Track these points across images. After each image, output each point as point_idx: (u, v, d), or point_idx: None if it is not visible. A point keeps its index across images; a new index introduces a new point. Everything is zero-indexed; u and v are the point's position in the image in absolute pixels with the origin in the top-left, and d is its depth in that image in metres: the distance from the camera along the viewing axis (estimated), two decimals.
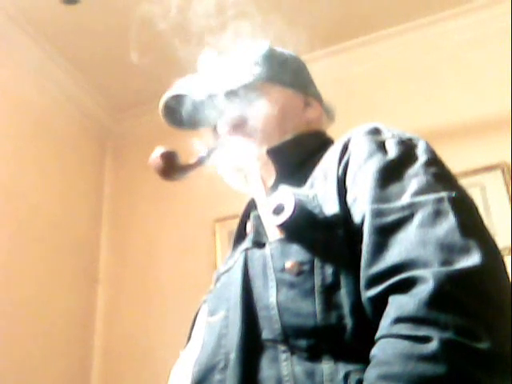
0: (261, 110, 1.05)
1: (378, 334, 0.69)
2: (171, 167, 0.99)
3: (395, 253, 0.72)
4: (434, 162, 0.83)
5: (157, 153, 1.00)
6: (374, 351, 0.68)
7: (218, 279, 0.96)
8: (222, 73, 1.10)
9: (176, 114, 1.13)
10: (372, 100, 2.73)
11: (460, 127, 2.58)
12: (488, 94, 2.58)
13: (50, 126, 2.89)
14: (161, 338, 2.67)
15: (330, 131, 1.15)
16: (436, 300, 0.65)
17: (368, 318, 0.74)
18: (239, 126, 1.05)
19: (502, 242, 2.12)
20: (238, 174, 1.03)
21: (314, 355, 0.74)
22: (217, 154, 1.04)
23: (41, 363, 2.48)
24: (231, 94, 1.05)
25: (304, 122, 1.09)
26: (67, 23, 2.73)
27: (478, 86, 2.63)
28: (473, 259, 0.68)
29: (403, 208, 0.76)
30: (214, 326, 0.86)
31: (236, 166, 1.03)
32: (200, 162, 1.02)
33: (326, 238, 0.80)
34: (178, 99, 1.11)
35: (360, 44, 2.90)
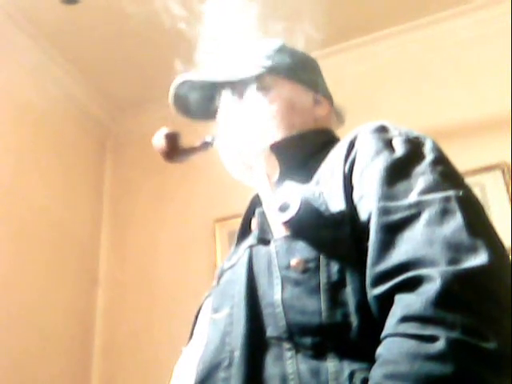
0: (268, 102, 1.05)
1: (383, 333, 0.69)
2: (174, 148, 0.99)
3: (402, 251, 0.72)
4: (441, 160, 0.83)
5: (160, 133, 1.00)
6: (380, 350, 0.68)
7: (221, 275, 0.96)
8: (232, 63, 1.10)
9: (185, 103, 1.13)
10: (372, 100, 2.73)
11: (460, 127, 2.58)
12: (488, 94, 2.58)
13: (49, 126, 2.88)
14: (161, 337, 2.67)
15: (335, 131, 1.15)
16: (443, 299, 0.65)
17: (374, 316, 0.73)
18: (246, 117, 1.05)
19: None
20: (242, 164, 1.02)
21: (319, 353, 0.74)
22: (221, 141, 1.04)
23: (41, 363, 2.48)
24: (240, 84, 1.05)
25: (312, 118, 1.09)
26: (67, 23, 2.72)
27: (478, 86, 2.63)
28: (480, 258, 0.68)
29: (410, 206, 0.75)
30: (219, 324, 0.86)
31: (240, 156, 1.02)
32: (204, 146, 1.02)
33: (332, 236, 0.80)
34: (187, 88, 1.11)
35: (360, 44, 2.90)
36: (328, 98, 1.15)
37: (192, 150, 1.01)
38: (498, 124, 2.48)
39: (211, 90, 1.10)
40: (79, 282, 2.85)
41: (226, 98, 1.07)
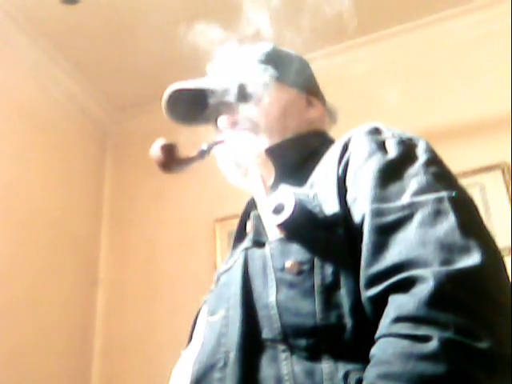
0: (263, 107, 1.05)
1: (377, 334, 0.69)
2: (171, 159, 0.99)
3: (395, 252, 0.72)
4: (434, 161, 0.83)
5: (157, 145, 1.00)
6: (374, 350, 0.68)
7: (218, 279, 0.96)
8: (225, 69, 1.10)
9: (178, 109, 1.14)
10: (372, 100, 2.72)
11: (460, 127, 2.58)
12: (488, 94, 2.58)
13: (49, 126, 2.89)
14: (161, 337, 2.67)
15: (330, 131, 1.15)
16: (436, 299, 0.65)
17: (368, 317, 0.74)
18: (240, 122, 1.05)
19: (501, 241, 2.12)
20: (238, 170, 1.03)
21: (313, 355, 0.74)
22: (217, 148, 1.04)
23: (41, 363, 2.48)
24: (233, 90, 1.05)
25: (306, 121, 1.09)
26: (67, 23, 2.73)
27: (478, 86, 2.63)
28: (473, 259, 0.68)
29: (403, 207, 0.76)
30: (214, 325, 0.86)
31: (236, 162, 1.03)
32: (200, 155, 1.02)
33: (326, 238, 0.80)
34: (180, 94, 1.12)
35: (360, 44, 2.90)
36: (321, 99, 1.15)
37: (189, 160, 1.02)
38: (498, 124, 2.48)
39: (204, 97, 1.10)
40: (79, 282, 2.86)
41: (219, 105, 1.07)
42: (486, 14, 2.71)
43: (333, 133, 1.14)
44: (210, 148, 1.03)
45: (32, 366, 2.43)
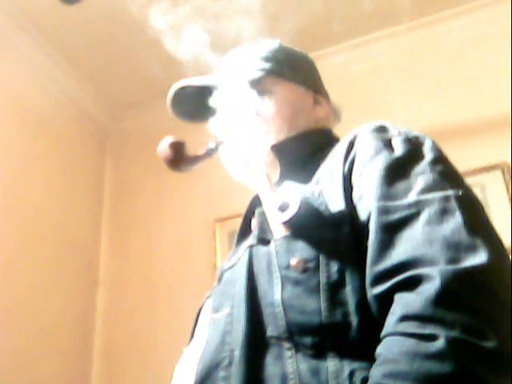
0: (270, 105, 1.05)
1: (383, 332, 0.69)
2: (179, 157, 0.98)
3: (401, 250, 0.72)
4: (440, 160, 0.83)
5: (165, 142, 0.99)
6: (380, 349, 0.68)
7: (221, 276, 0.96)
8: (231, 67, 1.10)
9: (183, 107, 1.13)
10: (372, 100, 2.72)
11: (460, 127, 2.58)
12: (488, 94, 2.58)
13: (49, 126, 2.88)
14: (161, 337, 2.67)
15: (333, 129, 1.15)
16: (442, 298, 0.65)
17: (373, 315, 0.73)
18: (247, 119, 1.05)
19: None
20: (244, 168, 1.03)
21: (318, 353, 0.74)
22: (225, 146, 1.04)
23: (41, 363, 2.48)
24: (241, 87, 1.05)
25: (312, 119, 1.09)
26: (67, 23, 2.72)
27: (478, 86, 2.63)
28: (479, 257, 0.68)
29: (409, 206, 0.75)
30: (219, 323, 0.86)
31: (243, 160, 1.02)
32: (208, 153, 1.02)
33: (332, 235, 0.80)
34: (186, 91, 1.11)
35: (360, 44, 2.90)
36: (326, 97, 1.15)
37: (197, 159, 1.01)
38: (498, 124, 2.48)
39: (210, 94, 1.10)
40: (79, 282, 2.85)
41: (226, 103, 1.07)
42: (486, 14, 2.71)
43: (335, 131, 1.14)
44: (217, 146, 1.03)
45: (32, 366, 2.42)
